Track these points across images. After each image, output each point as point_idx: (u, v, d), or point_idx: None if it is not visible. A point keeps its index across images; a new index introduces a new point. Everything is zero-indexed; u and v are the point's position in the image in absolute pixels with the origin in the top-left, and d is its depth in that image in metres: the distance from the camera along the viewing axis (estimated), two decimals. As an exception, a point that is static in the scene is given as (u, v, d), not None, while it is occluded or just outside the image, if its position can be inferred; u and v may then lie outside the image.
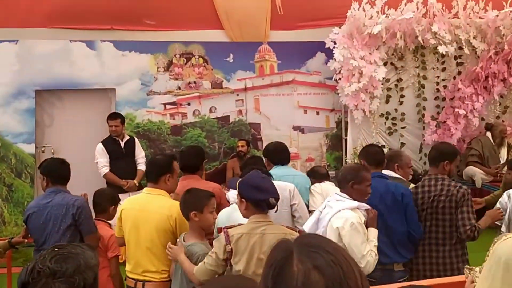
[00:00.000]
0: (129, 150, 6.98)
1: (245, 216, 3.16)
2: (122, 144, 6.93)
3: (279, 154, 4.87)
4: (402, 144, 7.72)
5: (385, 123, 7.70)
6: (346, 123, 8.04)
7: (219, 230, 3.23)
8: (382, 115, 7.69)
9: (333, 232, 3.50)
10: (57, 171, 4.26)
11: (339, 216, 3.54)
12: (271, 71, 8.26)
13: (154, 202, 3.66)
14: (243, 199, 3.11)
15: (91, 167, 6.87)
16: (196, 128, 8.00)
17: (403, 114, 7.73)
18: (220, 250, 3.09)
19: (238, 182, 3.20)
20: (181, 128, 7.95)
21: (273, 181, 3.67)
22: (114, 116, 6.96)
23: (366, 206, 3.71)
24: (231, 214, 3.85)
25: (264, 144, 7.96)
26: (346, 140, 8.05)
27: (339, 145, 8.44)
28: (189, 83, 7.95)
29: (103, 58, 7.63)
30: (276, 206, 3.10)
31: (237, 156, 7.79)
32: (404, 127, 7.73)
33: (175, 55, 7.89)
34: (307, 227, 3.73)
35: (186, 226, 3.57)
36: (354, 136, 7.67)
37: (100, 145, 6.83)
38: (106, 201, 4.47)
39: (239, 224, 3.21)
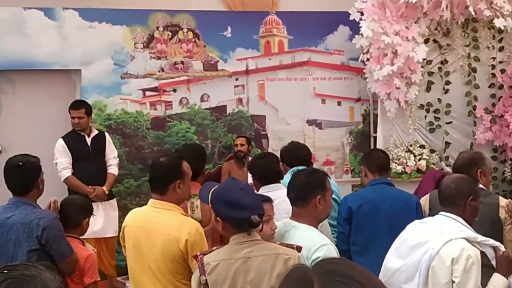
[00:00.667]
0: (98, 148, 6.72)
1: (225, 235, 3.15)
2: (88, 140, 6.66)
3: (295, 154, 4.84)
4: (447, 144, 7.47)
5: (425, 117, 7.49)
6: (376, 116, 7.89)
7: (195, 257, 3.12)
8: (421, 106, 7.46)
9: (443, 264, 3.22)
10: (10, 178, 4.07)
11: (453, 245, 3.25)
12: (280, 49, 8.12)
13: (160, 220, 3.57)
14: (218, 218, 3.05)
15: (49, 169, 6.22)
16: (183, 121, 7.81)
17: (448, 105, 7.47)
18: (195, 284, 3.04)
19: (210, 194, 3.11)
20: (164, 121, 7.76)
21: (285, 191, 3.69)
22: (77, 105, 6.65)
23: (494, 242, 3.41)
24: None
25: (270, 143, 7.98)
26: (375, 138, 7.87)
27: (366, 144, 8.21)
28: (175, 63, 7.76)
29: (65, 30, 7.40)
30: (261, 224, 3.04)
31: (235, 158, 7.48)
32: (450, 122, 7.50)
33: (157, 28, 7.70)
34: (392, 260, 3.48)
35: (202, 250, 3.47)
36: (386, 133, 7.47)
37: (61, 142, 6.58)
38: (78, 213, 4.35)
39: (218, 248, 3.14)
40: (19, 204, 3.99)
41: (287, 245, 3.12)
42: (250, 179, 5.19)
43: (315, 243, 3.24)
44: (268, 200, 3.44)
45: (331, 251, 3.21)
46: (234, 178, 3.26)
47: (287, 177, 4.62)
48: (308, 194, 3.44)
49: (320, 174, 3.58)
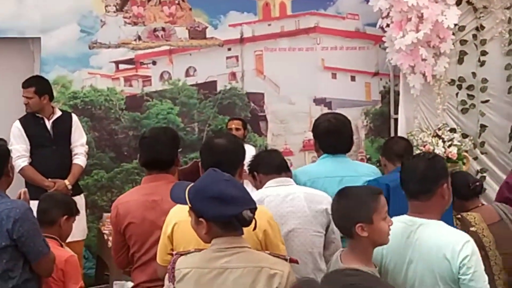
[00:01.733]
0: (61, 134, 6.63)
1: (207, 242, 3.07)
2: (48, 124, 6.60)
3: (333, 134, 4.65)
4: (483, 127, 7.42)
5: (457, 94, 7.41)
6: (397, 94, 7.89)
7: (170, 255, 3.28)
8: (452, 82, 7.37)
9: None
10: None
11: None
12: (282, 12, 8.09)
13: None
14: (201, 219, 2.99)
15: None
16: (165, 100, 7.76)
17: (484, 81, 7.39)
18: None
19: (187, 190, 3.07)
20: (141, 100, 7.70)
21: (301, 187, 4.09)
22: (26, 82, 6.62)
23: None
24: None
25: (270, 126, 8.01)
26: (396, 120, 7.89)
27: (385, 127, 8.25)
28: (155, 30, 7.69)
29: None
30: (254, 221, 2.98)
31: None
32: (487, 101, 7.43)
33: None
34: None
35: (278, 240, 3.58)
36: (409, 115, 7.44)
37: (17, 125, 6.55)
38: (54, 208, 4.47)
39: (197, 250, 3.12)
40: None
41: (278, 256, 3.11)
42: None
43: (457, 240, 3.28)
44: (381, 192, 3.42)
45: (475, 247, 3.29)
46: (216, 170, 3.19)
47: (317, 164, 4.67)
48: (434, 183, 3.47)
49: (440, 158, 3.66)
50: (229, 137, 4.07)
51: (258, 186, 4.42)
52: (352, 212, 3.33)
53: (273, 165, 4.40)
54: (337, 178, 4.43)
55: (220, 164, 3.54)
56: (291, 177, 4.39)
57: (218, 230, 3.01)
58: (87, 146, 6.78)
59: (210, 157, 3.76)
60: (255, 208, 3.03)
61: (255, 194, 4.32)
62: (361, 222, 3.28)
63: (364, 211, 3.29)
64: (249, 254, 3.04)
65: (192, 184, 3.13)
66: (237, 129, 7.39)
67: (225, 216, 2.98)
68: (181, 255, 3.10)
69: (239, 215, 2.96)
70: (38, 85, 6.58)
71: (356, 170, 4.75)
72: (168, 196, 3.70)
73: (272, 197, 4.07)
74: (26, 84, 6.58)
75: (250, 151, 5.19)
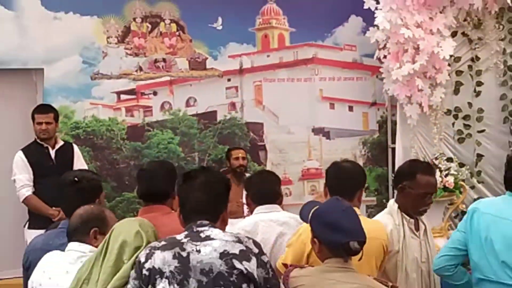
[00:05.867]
0: (64, 162, 6.89)
1: (321, 260, 3.48)
2: (52, 153, 6.90)
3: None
4: (479, 156, 7.63)
5: (453, 124, 7.68)
6: (394, 124, 8.24)
7: (286, 265, 3.71)
8: (449, 112, 7.64)
9: None
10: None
11: None
12: (281, 44, 8.47)
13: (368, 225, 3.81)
14: (315, 239, 3.45)
15: (7, 187, 6.94)
16: (166, 130, 8.18)
17: (480, 111, 7.65)
18: None
19: (311, 212, 3.49)
20: (142, 130, 8.13)
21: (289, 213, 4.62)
22: (44, 109, 6.90)
23: None
24: None
25: (269, 156, 8.46)
26: (393, 149, 8.21)
27: (382, 157, 8.66)
28: (156, 61, 8.12)
29: (25, 21, 7.71)
30: (361, 252, 3.36)
31: (233, 173, 7.67)
32: (482, 131, 7.68)
33: (134, 19, 8.07)
34: None
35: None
36: (406, 144, 7.71)
37: (20, 155, 6.83)
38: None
39: (308, 266, 3.61)
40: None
41: (381, 281, 3.52)
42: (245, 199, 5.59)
43: None
44: None
45: None
46: (338, 199, 3.56)
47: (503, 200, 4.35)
48: None
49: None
50: (354, 163, 4.54)
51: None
52: None
53: (264, 195, 4.84)
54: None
55: (343, 187, 4.11)
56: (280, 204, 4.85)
57: (327, 252, 3.38)
58: (88, 176, 6.91)
59: (337, 179, 4.23)
60: (363, 242, 3.35)
61: (247, 220, 4.82)
62: None
63: None
64: (358, 275, 3.40)
65: (318, 206, 3.50)
66: (243, 158, 7.74)
67: (333, 243, 3.33)
68: (296, 267, 3.54)
69: (346, 244, 3.30)
70: (55, 112, 6.85)
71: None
72: (163, 226, 3.84)
73: (265, 223, 4.60)
74: (45, 110, 6.79)
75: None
